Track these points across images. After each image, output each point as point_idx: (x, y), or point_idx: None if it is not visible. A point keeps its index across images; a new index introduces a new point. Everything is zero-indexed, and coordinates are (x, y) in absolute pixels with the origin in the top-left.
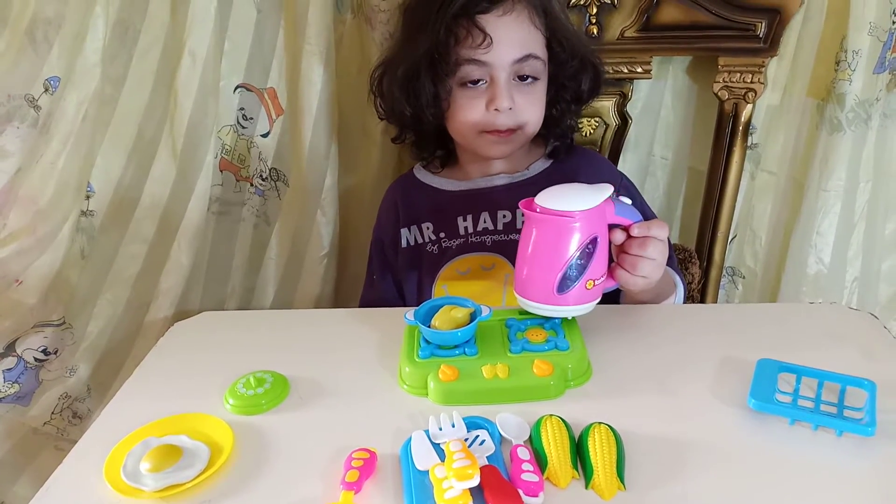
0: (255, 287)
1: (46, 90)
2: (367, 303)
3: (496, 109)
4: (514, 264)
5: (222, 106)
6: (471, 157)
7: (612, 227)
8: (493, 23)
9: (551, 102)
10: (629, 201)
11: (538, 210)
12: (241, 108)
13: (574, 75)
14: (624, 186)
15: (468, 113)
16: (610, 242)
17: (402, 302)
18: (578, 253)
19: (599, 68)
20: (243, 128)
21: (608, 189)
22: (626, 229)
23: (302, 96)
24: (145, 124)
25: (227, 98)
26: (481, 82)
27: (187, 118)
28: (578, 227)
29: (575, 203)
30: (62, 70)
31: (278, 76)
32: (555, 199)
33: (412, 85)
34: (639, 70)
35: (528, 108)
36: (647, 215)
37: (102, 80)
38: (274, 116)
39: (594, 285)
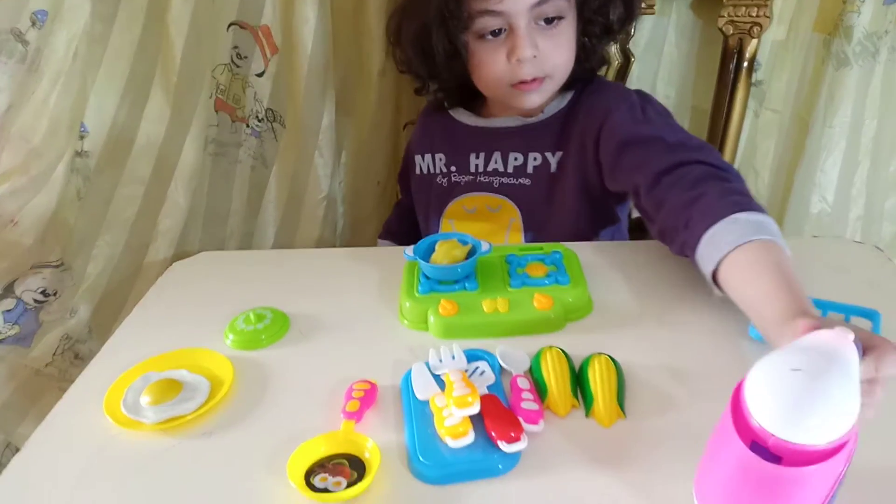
0: (254, 230)
1: (34, 24)
2: (387, 221)
3: (518, 60)
4: (520, 208)
5: (216, 44)
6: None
7: None
8: None
9: (579, 38)
10: (852, 335)
11: (770, 444)
12: (235, 47)
13: (600, 7)
14: (640, 107)
15: (490, 67)
16: None
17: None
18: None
19: None
20: (238, 67)
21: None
22: None
23: (296, 34)
24: (137, 63)
25: (221, 36)
26: (500, 32)
27: (180, 57)
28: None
29: (830, 426)
30: (49, 4)
31: (272, 13)
32: (789, 420)
33: (425, 44)
34: (642, 5)
35: (555, 53)
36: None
37: (92, 17)
38: (269, 55)
39: None
